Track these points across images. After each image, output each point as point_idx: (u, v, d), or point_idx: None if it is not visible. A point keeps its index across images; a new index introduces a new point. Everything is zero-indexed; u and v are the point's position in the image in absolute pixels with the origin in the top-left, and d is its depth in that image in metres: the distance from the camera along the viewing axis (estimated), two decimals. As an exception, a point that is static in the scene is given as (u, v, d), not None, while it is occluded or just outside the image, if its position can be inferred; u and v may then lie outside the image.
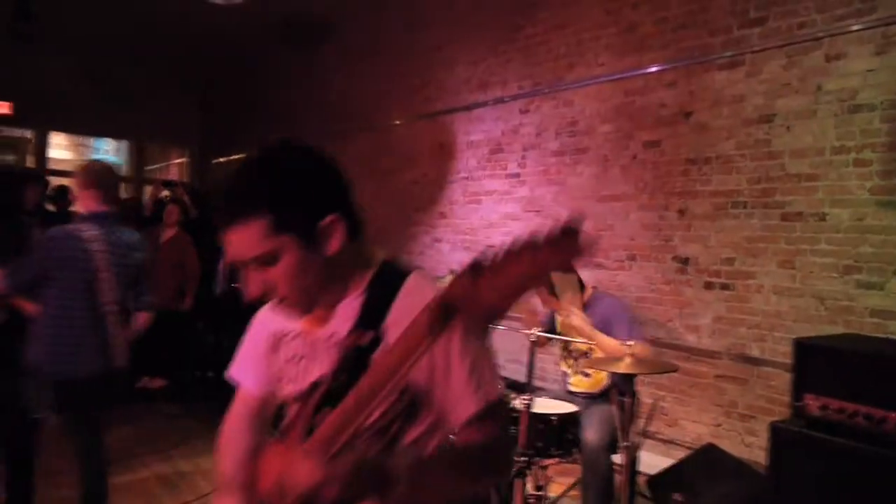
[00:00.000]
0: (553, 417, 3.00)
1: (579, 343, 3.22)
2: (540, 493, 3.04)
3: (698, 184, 3.83)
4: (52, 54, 8.39)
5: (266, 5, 5.30)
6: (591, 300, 3.34)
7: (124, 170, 11.34)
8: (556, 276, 3.23)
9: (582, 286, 3.34)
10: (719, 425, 3.73)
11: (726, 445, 3.42)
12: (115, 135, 10.78)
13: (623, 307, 3.34)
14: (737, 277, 3.66)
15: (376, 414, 1.02)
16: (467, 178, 5.48)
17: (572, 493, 3.35)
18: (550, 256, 0.81)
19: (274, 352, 1.40)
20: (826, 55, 3.29)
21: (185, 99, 10.42)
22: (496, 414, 1.24)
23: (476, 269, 0.87)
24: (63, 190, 6.69)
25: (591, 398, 3.29)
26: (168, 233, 5.86)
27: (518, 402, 2.86)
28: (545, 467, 3.04)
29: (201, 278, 6.06)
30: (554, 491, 3.28)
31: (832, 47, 3.27)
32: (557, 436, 3.01)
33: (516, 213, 4.99)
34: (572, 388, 3.39)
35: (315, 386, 1.24)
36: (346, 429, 1.03)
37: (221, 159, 9.88)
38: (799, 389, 2.58)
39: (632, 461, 2.90)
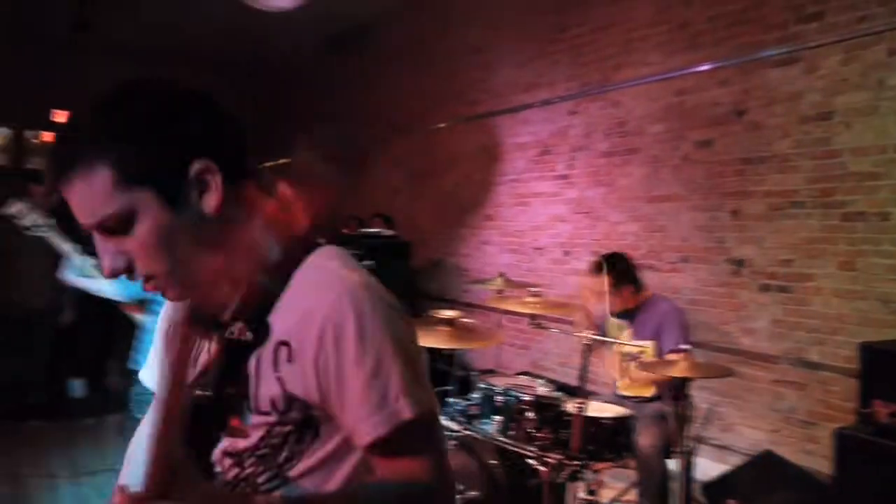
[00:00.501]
0: (605, 421, 2.97)
1: (629, 346, 3.18)
2: (592, 497, 3.01)
3: (752, 184, 3.75)
4: (105, 64, 8.66)
5: (311, 13, 5.36)
6: (646, 304, 3.28)
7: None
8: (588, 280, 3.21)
9: (638, 288, 3.30)
10: (777, 431, 3.63)
11: (785, 452, 3.33)
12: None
13: (677, 313, 3.26)
14: (795, 279, 3.56)
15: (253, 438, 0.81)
16: (515, 180, 5.46)
17: (624, 498, 3.31)
18: None
19: (165, 346, 1.11)
20: (889, 49, 3.18)
21: (233, 105, 10.61)
22: (415, 441, 0.91)
23: None
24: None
25: (641, 402, 3.24)
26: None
27: (571, 406, 2.84)
28: (597, 471, 3.01)
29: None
30: (606, 496, 3.24)
31: (895, 41, 3.16)
32: (610, 439, 2.97)
33: (564, 215, 4.96)
34: (621, 392, 3.34)
35: (191, 387, 0.97)
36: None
37: (271, 163, 10.06)
38: (866, 395, 2.50)
39: (687, 466, 2.85)
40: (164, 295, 0.95)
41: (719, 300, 3.93)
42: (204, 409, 0.94)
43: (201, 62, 9.39)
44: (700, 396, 3.73)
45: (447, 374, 4.42)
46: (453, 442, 3.06)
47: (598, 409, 3.06)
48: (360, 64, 7.81)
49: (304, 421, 0.91)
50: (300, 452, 0.89)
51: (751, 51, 3.76)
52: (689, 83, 4.10)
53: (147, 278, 0.92)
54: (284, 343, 0.92)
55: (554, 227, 5.05)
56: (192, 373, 0.99)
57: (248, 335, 0.95)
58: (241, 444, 0.91)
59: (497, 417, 3.04)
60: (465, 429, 3.10)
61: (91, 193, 0.87)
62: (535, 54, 5.29)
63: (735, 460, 3.58)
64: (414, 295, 5.54)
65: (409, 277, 5.36)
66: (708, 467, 3.54)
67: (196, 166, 0.90)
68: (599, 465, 3.00)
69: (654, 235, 4.28)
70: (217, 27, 7.73)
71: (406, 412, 0.87)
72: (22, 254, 4.80)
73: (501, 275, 4.00)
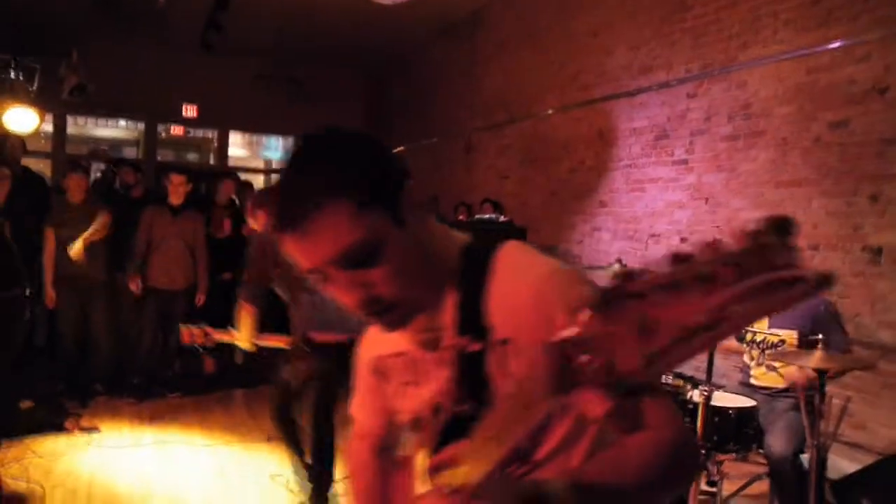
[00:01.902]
0: (730, 411, 2.89)
1: (769, 334, 3.08)
2: (713, 488, 2.95)
3: (895, 166, 3.51)
4: (231, 60, 9.16)
5: (426, 3, 5.47)
6: None
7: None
8: None
9: None
10: (917, 430, 3.42)
11: (926, 453, 3.13)
12: (285, 131, 11.56)
13: (829, 305, 3.06)
14: (941, 269, 3.32)
15: (517, 440, 0.82)
16: (630, 165, 5.36)
17: (747, 492, 3.22)
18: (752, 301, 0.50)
19: (380, 380, 1.20)
20: None
21: (352, 95, 10.99)
22: (651, 389, 0.93)
23: (616, 297, 0.57)
24: (247, 184, 7.31)
25: (772, 395, 3.13)
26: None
27: (695, 394, 2.79)
28: (720, 462, 2.94)
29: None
30: (728, 488, 3.16)
31: None
32: (734, 430, 2.90)
33: (683, 201, 4.82)
34: (754, 382, 3.22)
35: (435, 412, 1.03)
36: (485, 461, 0.85)
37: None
38: None
39: (819, 464, 2.74)
40: (384, 320, 0.98)
41: (853, 291, 3.71)
42: (450, 423, 0.99)
43: (319, 56, 9.77)
44: (833, 391, 3.56)
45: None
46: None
47: (724, 400, 3.00)
48: (472, 50, 7.88)
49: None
50: (542, 437, 0.91)
51: (893, 24, 3.51)
52: (822, 61, 3.88)
53: (385, 306, 0.95)
54: (505, 341, 0.96)
55: (671, 214, 4.93)
56: (417, 405, 1.08)
57: (473, 344, 0.97)
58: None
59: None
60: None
61: (330, 230, 0.90)
62: (651, 35, 5.16)
63: (868, 460, 3.40)
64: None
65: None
66: (838, 465, 3.39)
67: (404, 193, 0.96)
68: (723, 457, 2.94)
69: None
70: (333, 23, 8.01)
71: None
72: (167, 240, 5.20)
73: (619, 261, 3.96)
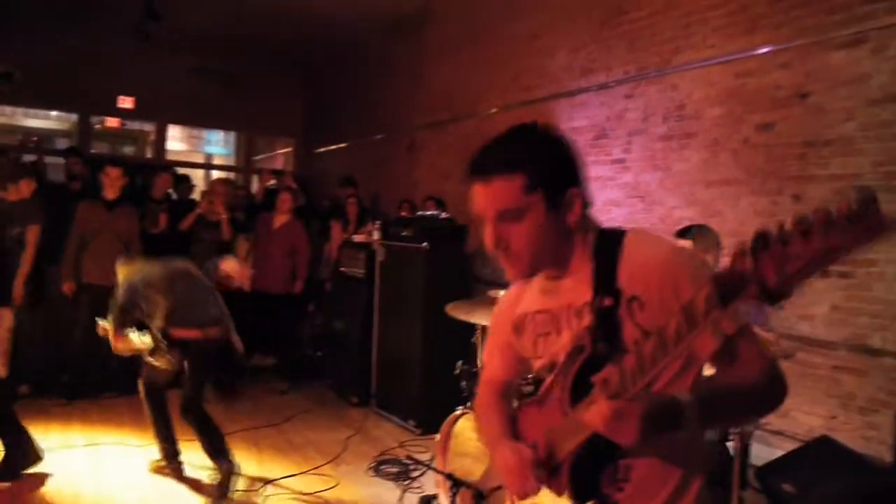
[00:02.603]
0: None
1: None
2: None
3: (816, 167, 3.70)
4: (169, 52, 8.94)
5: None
6: None
7: (233, 160, 11.95)
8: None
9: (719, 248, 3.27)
10: (835, 417, 3.60)
11: (843, 439, 3.31)
12: (225, 126, 11.36)
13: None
14: (857, 265, 3.50)
15: (656, 370, 1.06)
16: (569, 164, 5.47)
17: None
18: (849, 235, 0.77)
19: (518, 335, 1.53)
20: (962, 29, 3.10)
21: (291, 90, 10.87)
22: (750, 334, 1.26)
23: (760, 245, 0.84)
24: (184, 178, 7.15)
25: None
26: (280, 219, 6.16)
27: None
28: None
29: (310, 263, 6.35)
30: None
31: (969, 21, 3.08)
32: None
33: (619, 200, 4.96)
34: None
35: (575, 353, 1.31)
36: (625, 389, 1.09)
37: (324, 149, 10.26)
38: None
39: (744, 451, 2.87)
40: (511, 271, 1.37)
41: (778, 285, 3.88)
42: (585, 364, 1.27)
43: (259, 49, 9.62)
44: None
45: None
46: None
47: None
48: (416, 48, 7.90)
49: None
50: (657, 375, 1.09)
51: (814, 32, 3.69)
52: (749, 66, 4.05)
53: (515, 257, 1.34)
54: (635, 297, 1.27)
55: (609, 212, 5.05)
56: (552, 351, 1.41)
57: (608, 300, 1.29)
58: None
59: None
60: (519, 405, 3.16)
61: (503, 191, 1.30)
62: (591, 38, 5.28)
63: (789, 446, 3.57)
64: (469, 278, 5.60)
65: (465, 261, 5.42)
66: (761, 452, 3.54)
67: (572, 191, 1.32)
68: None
69: (710, 220, 4.24)
70: (278, 14, 7.90)
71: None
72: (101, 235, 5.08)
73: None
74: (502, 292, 3.42)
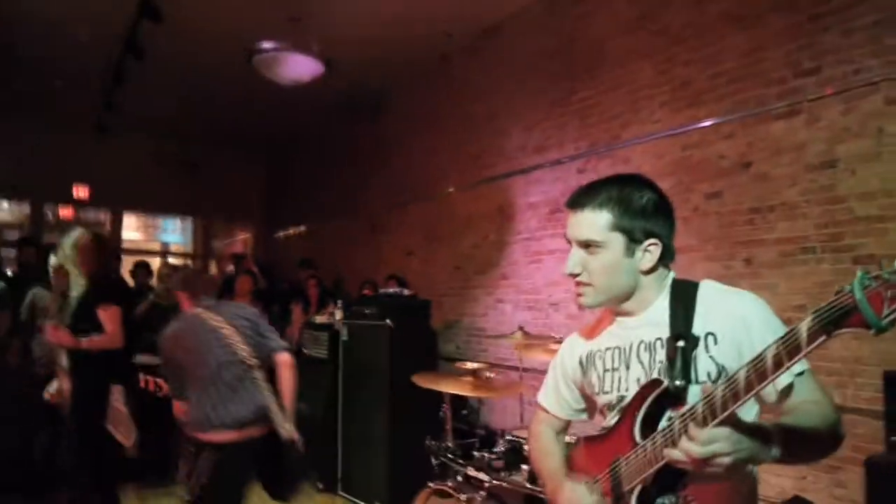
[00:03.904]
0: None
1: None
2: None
3: (763, 231, 3.84)
4: (125, 139, 8.98)
5: (326, 82, 5.62)
6: None
7: (190, 247, 11.84)
8: None
9: None
10: (804, 478, 3.61)
11: (814, 499, 3.31)
12: (182, 212, 11.30)
13: None
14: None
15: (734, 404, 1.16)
16: (528, 238, 5.58)
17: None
18: None
19: (585, 371, 1.67)
20: (885, 98, 3.33)
21: (249, 175, 10.96)
22: (814, 380, 1.39)
23: (867, 282, 0.96)
24: (143, 265, 7.06)
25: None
26: (240, 302, 6.07)
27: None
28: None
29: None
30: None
31: (891, 90, 3.31)
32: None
33: (579, 271, 5.03)
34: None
35: (649, 387, 1.43)
36: (706, 421, 1.18)
37: (284, 233, 10.26)
38: (893, 423, 2.52)
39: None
40: (581, 297, 1.53)
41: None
42: (657, 398, 1.40)
43: (215, 134, 9.74)
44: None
45: (470, 430, 4.42)
46: (482, 493, 3.07)
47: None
48: (374, 132, 8.09)
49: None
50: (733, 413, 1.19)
51: (753, 105, 3.92)
52: (694, 138, 4.25)
53: (584, 284, 1.51)
54: (711, 334, 1.43)
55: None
56: (622, 386, 1.54)
57: (683, 338, 1.43)
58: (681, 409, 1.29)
59: (526, 467, 3.05)
60: (494, 479, 3.11)
61: (592, 222, 1.49)
62: (543, 117, 5.50)
63: (764, 510, 3.55)
64: (435, 355, 5.57)
65: (430, 337, 5.40)
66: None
67: (651, 241, 1.49)
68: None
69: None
70: (233, 102, 8.05)
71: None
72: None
73: (521, 328, 4.07)
74: (469, 364, 3.41)
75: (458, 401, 3.61)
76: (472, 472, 3.18)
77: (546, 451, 1.78)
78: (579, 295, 1.54)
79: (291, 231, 10.05)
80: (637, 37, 4.73)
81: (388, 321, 4.83)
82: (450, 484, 3.23)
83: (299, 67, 4.83)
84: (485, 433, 4.26)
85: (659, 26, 4.57)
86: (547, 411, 1.82)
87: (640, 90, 4.66)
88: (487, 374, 3.35)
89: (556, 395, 1.79)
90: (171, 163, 9.72)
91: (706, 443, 1.17)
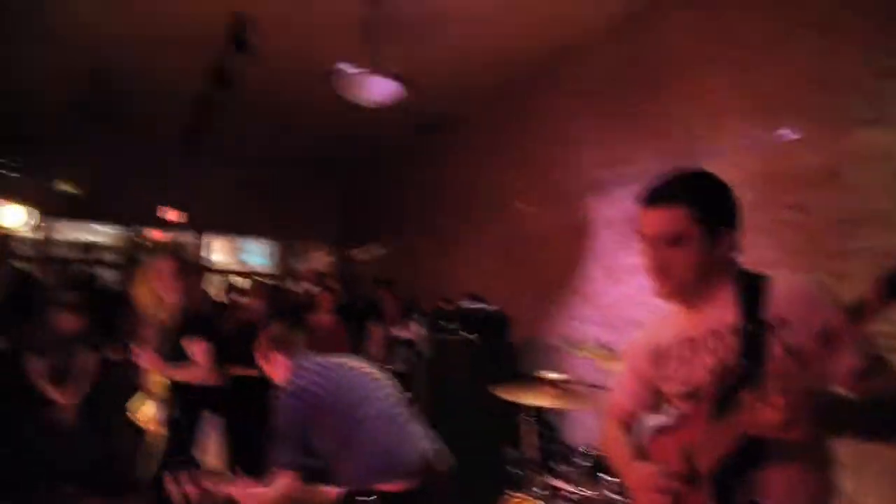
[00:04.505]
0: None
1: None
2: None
3: (854, 243, 3.73)
4: (210, 165, 9.46)
5: (401, 103, 5.79)
6: None
7: (272, 267, 12.28)
8: None
9: None
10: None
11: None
12: (263, 235, 11.75)
13: None
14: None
15: (807, 380, 1.27)
16: (604, 255, 5.57)
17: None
18: None
19: (656, 364, 1.72)
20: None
21: (326, 196, 11.30)
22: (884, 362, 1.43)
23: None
24: (232, 286, 7.39)
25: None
26: (323, 319, 6.28)
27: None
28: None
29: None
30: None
31: None
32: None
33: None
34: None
35: (721, 370, 1.50)
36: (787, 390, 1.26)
37: (360, 252, 10.51)
38: None
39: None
40: (662, 289, 1.59)
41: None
42: (730, 382, 1.45)
43: (294, 158, 10.12)
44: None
45: (549, 442, 4.43)
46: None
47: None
48: (447, 151, 8.25)
49: None
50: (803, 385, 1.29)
51: (835, 112, 3.83)
52: (775, 149, 4.17)
53: (667, 277, 1.56)
54: (780, 318, 1.48)
55: (644, 298, 5.07)
56: (693, 375, 1.59)
57: (754, 324, 1.48)
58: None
59: (606, 478, 3.05)
60: (577, 489, 3.12)
61: (668, 218, 1.56)
62: (617, 133, 5.50)
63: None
64: (513, 368, 5.60)
65: (511, 352, 5.45)
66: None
67: (727, 231, 1.57)
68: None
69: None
70: (310, 127, 8.36)
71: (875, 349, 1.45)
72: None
73: (598, 342, 4.07)
74: (550, 374, 3.44)
75: (537, 414, 3.64)
76: (554, 481, 3.20)
77: (615, 443, 1.82)
78: (661, 289, 1.59)
79: (367, 250, 10.29)
80: (711, 48, 4.70)
81: (471, 335, 4.91)
82: (531, 494, 3.26)
83: (380, 89, 5.01)
84: (563, 446, 4.26)
85: (734, 36, 4.53)
86: (618, 408, 1.86)
87: (716, 102, 4.62)
88: (568, 383, 3.37)
89: (627, 392, 1.83)
90: (251, 186, 10.15)
91: (782, 408, 1.23)
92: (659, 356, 1.71)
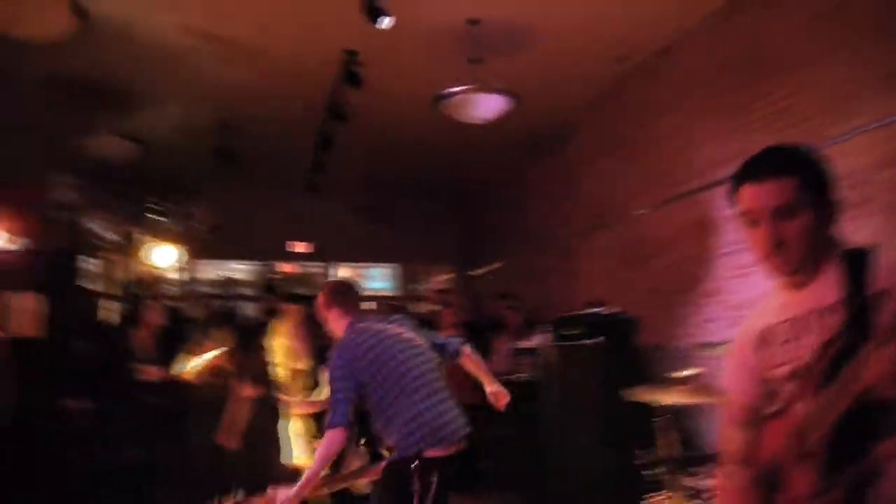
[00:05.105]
0: None
1: None
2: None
3: None
4: (331, 196, 9.96)
5: (509, 118, 5.89)
6: None
7: (395, 291, 12.66)
8: None
9: None
10: None
11: None
12: (386, 260, 12.17)
13: None
14: None
15: None
16: (731, 252, 5.37)
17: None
18: None
19: (761, 349, 1.66)
20: None
21: (443, 218, 11.58)
22: None
23: None
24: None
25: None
26: (447, 333, 6.42)
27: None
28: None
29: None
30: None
31: None
32: None
33: (791, 279, 4.75)
34: None
35: (828, 345, 1.44)
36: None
37: (480, 270, 10.66)
38: None
39: None
40: (783, 266, 1.54)
41: None
42: (836, 357, 1.41)
43: (413, 185, 10.46)
44: None
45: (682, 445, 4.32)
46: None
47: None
48: (558, 162, 8.26)
49: None
50: None
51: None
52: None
53: (784, 252, 1.51)
54: (884, 291, 1.40)
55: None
56: (799, 354, 1.54)
57: (860, 296, 1.43)
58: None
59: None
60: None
61: (778, 189, 1.51)
62: (731, 127, 5.33)
63: None
64: (642, 370, 5.49)
65: (639, 355, 5.36)
66: None
67: (833, 201, 1.54)
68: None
69: None
70: (424, 151, 8.63)
71: None
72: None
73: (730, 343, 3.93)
74: (685, 372, 3.37)
75: (673, 414, 3.56)
76: (693, 482, 3.12)
77: (727, 441, 1.76)
78: (776, 266, 1.54)
79: (486, 268, 10.42)
80: (828, 30, 4.47)
81: (597, 339, 4.88)
82: (671, 496, 3.19)
83: (487, 105, 5.14)
84: (701, 446, 4.13)
85: (852, 15, 4.30)
86: (732, 402, 1.79)
87: (836, 85, 4.38)
88: (702, 378, 3.29)
89: (739, 383, 1.76)
90: (371, 215, 10.57)
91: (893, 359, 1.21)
92: (763, 341, 1.65)
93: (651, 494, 3.25)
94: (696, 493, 3.10)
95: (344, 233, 10.59)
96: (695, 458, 3.46)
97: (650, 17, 5.57)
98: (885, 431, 1.30)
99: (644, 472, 3.48)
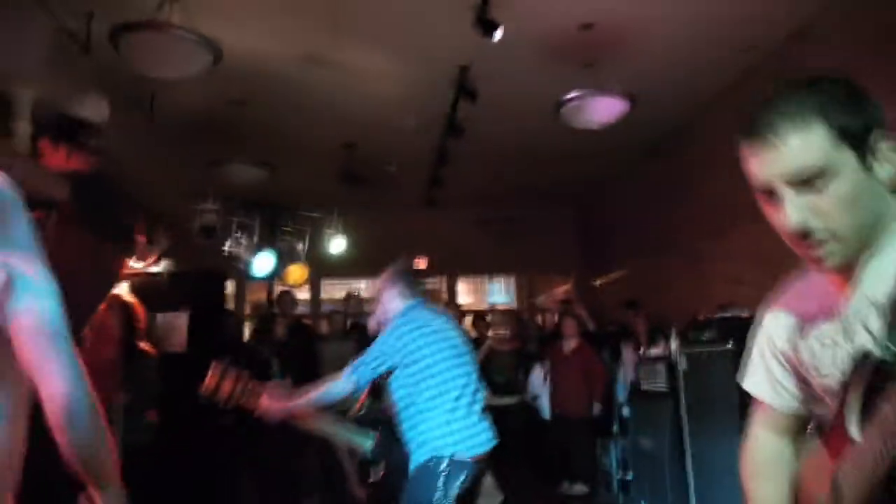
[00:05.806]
0: None
1: None
2: None
3: None
4: (449, 210, 10.10)
5: (626, 121, 5.76)
6: None
7: (514, 304, 12.64)
8: None
9: None
10: None
11: None
12: (506, 271, 12.19)
13: None
14: None
15: None
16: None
17: None
18: None
19: (797, 351, 1.25)
20: None
21: (562, 227, 11.46)
22: None
23: None
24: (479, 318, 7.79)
25: None
26: (571, 343, 6.36)
27: None
28: None
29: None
30: None
31: None
32: None
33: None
34: None
35: (860, 361, 1.02)
36: None
37: (603, 278, 10.46)
38: None
39: None
40: (828, 259, 1.06)
41: None
42: (874, 379, 1.01)
43: (530, 195, 10.44)
44: None
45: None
46: None
47: None
48: (681, 162, 7.99)
49: None
50: None
51: None
52: None
53: (821, 237, 1.04)
54: None
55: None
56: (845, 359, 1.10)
57: None
58: None
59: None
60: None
61: (805, 145, 1.01)
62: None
63: None
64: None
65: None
66: None
67: (881, 135, 1.03)
68: None
69: None
70: (540, 161, 8.60)
71: None
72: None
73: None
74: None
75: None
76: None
77: (758, 472, 1.35)
78: (818, 256, 1.06)
79: (610, 276, 10.20)
80: None
81: (730, 344, 4.67)
82: None
83: (605, 109, 5.07)
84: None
85: None
86: (763, 405, 1.37)
87: None
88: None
89: (770, 383, 1.34)
90: (488, 226, 10.62)
91: None
92: (796, 337, 1.24)
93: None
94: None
95: (462, 246, 10.70)
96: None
97: (762, 9, 5.29)
98: None
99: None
